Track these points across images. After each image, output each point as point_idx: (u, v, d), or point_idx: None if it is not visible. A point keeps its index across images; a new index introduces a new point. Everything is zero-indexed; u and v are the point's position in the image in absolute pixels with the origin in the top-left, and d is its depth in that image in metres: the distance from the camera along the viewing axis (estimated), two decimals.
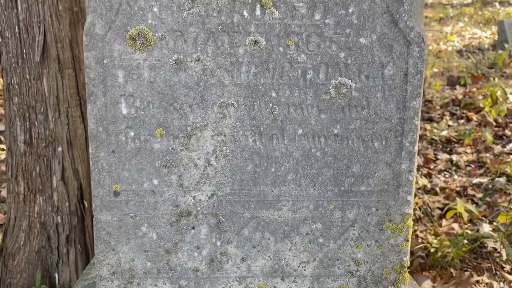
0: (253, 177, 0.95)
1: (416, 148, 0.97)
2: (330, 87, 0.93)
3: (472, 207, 2.02)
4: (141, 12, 0.88)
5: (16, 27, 1.49)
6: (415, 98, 0.94)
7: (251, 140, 0.94)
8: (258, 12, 0.89)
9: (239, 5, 0.89)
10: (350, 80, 0.93)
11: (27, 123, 1.58)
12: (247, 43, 0.90)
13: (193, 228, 0.96)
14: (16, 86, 1.55)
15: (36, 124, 1.58)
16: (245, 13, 0.89)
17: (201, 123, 0.93)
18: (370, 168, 0.96)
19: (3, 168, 2.42)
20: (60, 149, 1.61)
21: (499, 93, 3.41)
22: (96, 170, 0.93)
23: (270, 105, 0.93)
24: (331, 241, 0.98)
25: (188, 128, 0.93)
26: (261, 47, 0.91)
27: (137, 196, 0.94)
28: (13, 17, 1.48)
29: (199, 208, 0.96)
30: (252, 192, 0.96)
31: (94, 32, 0.88)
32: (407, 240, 1.00)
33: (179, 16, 0.89)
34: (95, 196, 0.94)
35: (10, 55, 1.52)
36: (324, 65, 0.92)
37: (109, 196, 0.94)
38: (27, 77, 1.53)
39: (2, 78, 1.59)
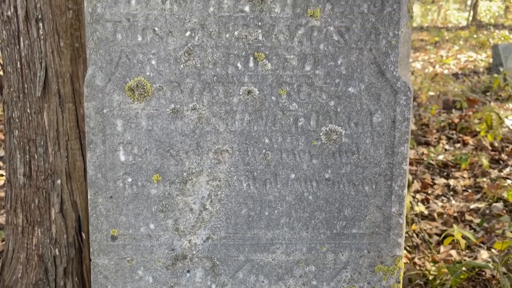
0: (247, 220, 0.98)
1: (406, 191, 1.00)
2: (321, 134, 0.97)
3: (469, 234, 2.04)
4: (139, 65, 0.93)
5: (18, 62, 1.53)
6: (403, 144, 0.97)
7: (245, 185, 0.97)
8: (251, 64, 0.94)
9: (234, 58, 0.94)
10: (340, 127, 0.96)
11: (27, 156, 1.61)
12: (241, 93, 0.95)
13: (188, 271, 0.98)
14: (17, 120, 1.58)
15: (36, 157, 1.60)
16: (239, 65, 0.94)
17: (197, 169, 0.96)
18: (361, 211, 0.99)
19: (2, 194, 2.44)
20: (59, 181, 1.63)
21: (494, 117, 3.46)
22: (94, 215, 0.96)
23: (264, 151, 0.97)
24: (324, 283, 1.00)
25: (184, 173, 0.96)
26: (255, 96, 0.95)
27: (134, 240, 0.97)
28: (15, 53, 1.52)
29: (194, 252, 0.98)
30: (247, 236, 0.98)
31: (95, 83, 0.92)
32: (399, 282, 1.01)
33: (176, 68, 0.93)
34: (93, 241, 0.96)
35: (11, 89, 1.56)
36: (315, 113, 0.96)
37: (106, 241, 0.96)
38: (28, 111, 1.56)
39: (3, 111, 1.62)
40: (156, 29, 0.92)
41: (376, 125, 0.96)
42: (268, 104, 0.95)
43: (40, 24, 1.46)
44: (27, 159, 1.56)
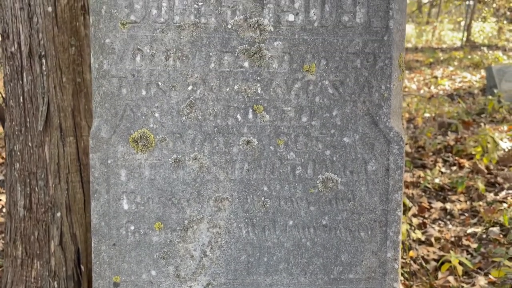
0: (246, 266, 1.00)
1: (400, 237, 1.03)
2: (318, 182, 1.00)
3: (466, 260, 2.05)
4: (143, 118, 0.97)
5: (21, 97, 1.55)
6: (397, 191, 1.01)
7: (244, 232, 1.00)
8: (250, 115, 0.98)
9: (233, 110, 0.98)
10: (336, 175, 1.00)
11: (28, 189, 1.62)
12: (240, 143, 0.99)
13: None
14: (18, 153, 1.60)
15: (36, 190, 1.62)
16: (238, 116, 0.98)
17: (198, 216, 0.99)
18: (357, 256, 1.02)
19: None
20: (59, 214, 1.64)
21: (489, 140, 3.51)
22: (98, 262, 0.98)
23: (262, 198, 1.00)
24: None
25: (185, 221, 0.99)
26: (254, 146, 0.99)
27: (136, 286, 0.99)
28: (18, 88, 1.55)
29: None
30: (246, 282, 1.01)
31: (100, 135, 0.96)
32: None
33: (178, 120, 0.97)
34: None
35: (13, 123, 1.59)
36: (311, 162, 1.00)
37: (109, 287, 0.99)
38: (29, 144, 1.58)
39: (5, 144, 1.65)
40: (160, 83, 0.96)
41: (371, 173, 1.00)
42: (266, 154, 0.99)
43: (43, 60, 1.50)
44: (28, 192, 1.58)
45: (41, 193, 1.59)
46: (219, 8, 0.94)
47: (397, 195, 1.01)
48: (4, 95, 1.60)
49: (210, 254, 1.00)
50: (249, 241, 1.00)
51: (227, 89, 0.97)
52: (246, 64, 0.96)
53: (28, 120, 1.56)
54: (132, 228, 0.98)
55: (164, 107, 0.97)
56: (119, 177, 0.97)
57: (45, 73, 1.51)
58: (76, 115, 1.58)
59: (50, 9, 1.47)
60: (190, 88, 0.97)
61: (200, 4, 0.94)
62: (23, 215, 1.61)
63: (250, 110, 0.98)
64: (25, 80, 1.54)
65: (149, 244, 0.98)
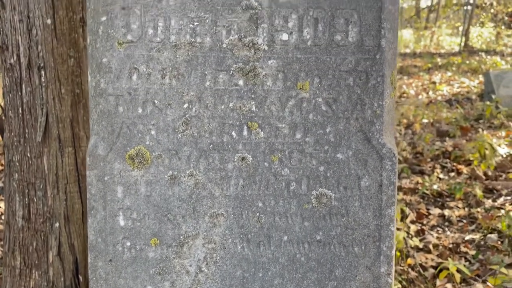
0: (241, 282, 1.01)
1: (394, 252, 1.04)
2: (312, 197, 1.02)
3: (464, 268, 2.06)
4: (140, 135, 0.98)
5: (20, 108, 1.56)
6: (390, 207, 1.02)
7: (239, 247, 1.01)
8: (245, 132, 1.00)
9: (228, 127, 0.99)
10: (330, 191, 1.02)
11: (26, 199, 1.63)
12: (235, 160, 1.00)
13: None
14: (17, 163, 1.61)
15: (35, 200, 1.63)
16: (233, 133, 1.00)
17: (193, 232, 1.00)
18: (351, 271, 1.03)
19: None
20: (57, 224, 1.65)
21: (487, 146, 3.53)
22: (94, 278, 0.99)
23: (257, 214, 1.01)
24: None
25: (181, 237, 1.00)
26: (248, 162, 1.00)
27: None
28: (17, 99, 1.56)
29: None
30: None
31: (97, 153, 0.98)
32: None
33: (174, 137, 0.99)
34: None
35: (12, 133, 1.60)
36: (305, 178, 1.01)
37: None
38: (28, 155, 1.59)
39: (4, 154, 1.66)
40: (156, 101, 0.98)
41: (364, 189, 1.02)
42: (261, 170, 1.00)
43: (42, 72, 1.52)
44: (26, 202, 1.59)
45: (39, 204, 1.60)
46: (214, 27, 0.96)
47: (390, 210, 1.02)
48: (3, 106, 1.61)
49: (206, 270, 1.01)
50: (244, 256, 1.01)
51: (222, 107, 0.99)
52: (240, 82, 0.98)
53: (27, 131, 1.57)
54: (128, 244, 0.99)
55: (160, 125, 0.98)
56: (116, 194, 0.99)
57: (44, 84, 1.52)
58: (75, 125, 1.60)
59: (49, 21, 1.49)
60: (185, 105, 0.98)
61: (195, 24, 0.96)
62: (22, 225, 1.62)
63: (245, 127, 0.99)
64: (24, 91, 1.55)
65: (145, 260, 1.00)
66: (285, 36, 0.97)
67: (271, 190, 1.01)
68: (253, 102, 0.99)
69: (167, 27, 0.96)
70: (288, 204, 1.01)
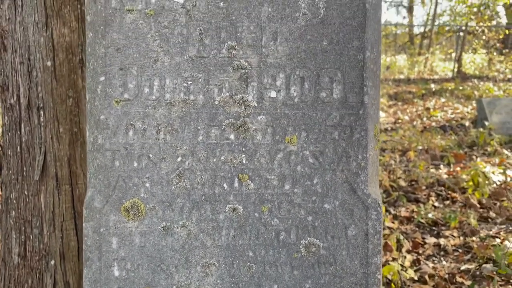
0: None
1: None
2: (301, 247, 1.05)
3: None
4: (135, 188, 1.03)
5: (19, 147, 1.59)
6: (376, 255, 1.05)
7: None
8: (236, 184, 1.04)
9: (220, 179, 1.04)
10: (318, 240, 1.05)
11: (22, 237, 1.64)
12: (227, 210, 1.04)
13: None
14: (14, 201, 1.63)
15: (31, 238, 1.64)
16: (225, 185, 1.04)
17: (185, 282, 1.03)
18: None
19: None
20: (52, 262, 1.66)
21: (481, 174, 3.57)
22: None
23: (248, 263, 1.04)
24: None
25: (174, 287, 1.03)
26: (239, 213, 1.04)
27: None
28: (16, 138, 1.60)
29: None
30: None
31: (93, 205, 1.02)
32: None
33: (168, 190, 1.03)
34: None
35: (10, 171, 1.62)
36: (294, 227, 1.05)
37: None
38: (26, 193, 1.61)
39: (1, 192, 1.68)
40: (151, 156, 1.03)
41: (351, 238, 1.05)
42: (251, 220, 1.04)
43: (41, 112, 1.56)
44: (23, 240, 1.61)
45: (35, 241, 1.62)
46: (207, 86, 1.02)
47: (376, 259, 1.05)
48: (2, 144, 1.65)
49: None
50: None
51: (214, 160, 1.03)
52: (232, 136, 1.03)
53: (25, 169, 1.60)
54: None
55: (154, 178, 1.03)
56: (111, 245, 1.02)
57: (42, 124, 1.56)
58: (72, 163, 1.63)
59: (49, 63, 1.54)
60: (179, 159, 1.03)
61: (189, 83, 1.02)
62: (18, 263, 1.63)
63: (236, 179, 1.04)
64: (23, 130, 1.59)
65: None
66: (273, 94, 1.03)
67: (261, 240, 1.04)
68: (244, 155, 1.04)
69: (162, 86, 1.02)
70: (278, 253, 1.04)
